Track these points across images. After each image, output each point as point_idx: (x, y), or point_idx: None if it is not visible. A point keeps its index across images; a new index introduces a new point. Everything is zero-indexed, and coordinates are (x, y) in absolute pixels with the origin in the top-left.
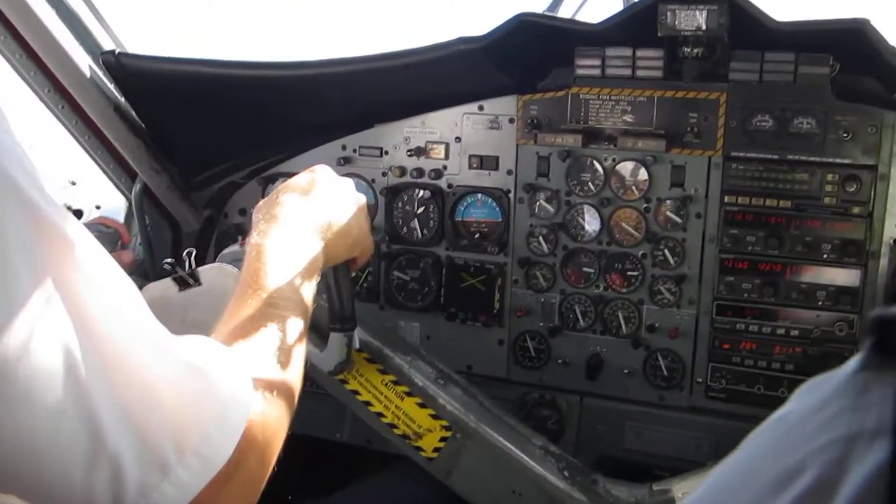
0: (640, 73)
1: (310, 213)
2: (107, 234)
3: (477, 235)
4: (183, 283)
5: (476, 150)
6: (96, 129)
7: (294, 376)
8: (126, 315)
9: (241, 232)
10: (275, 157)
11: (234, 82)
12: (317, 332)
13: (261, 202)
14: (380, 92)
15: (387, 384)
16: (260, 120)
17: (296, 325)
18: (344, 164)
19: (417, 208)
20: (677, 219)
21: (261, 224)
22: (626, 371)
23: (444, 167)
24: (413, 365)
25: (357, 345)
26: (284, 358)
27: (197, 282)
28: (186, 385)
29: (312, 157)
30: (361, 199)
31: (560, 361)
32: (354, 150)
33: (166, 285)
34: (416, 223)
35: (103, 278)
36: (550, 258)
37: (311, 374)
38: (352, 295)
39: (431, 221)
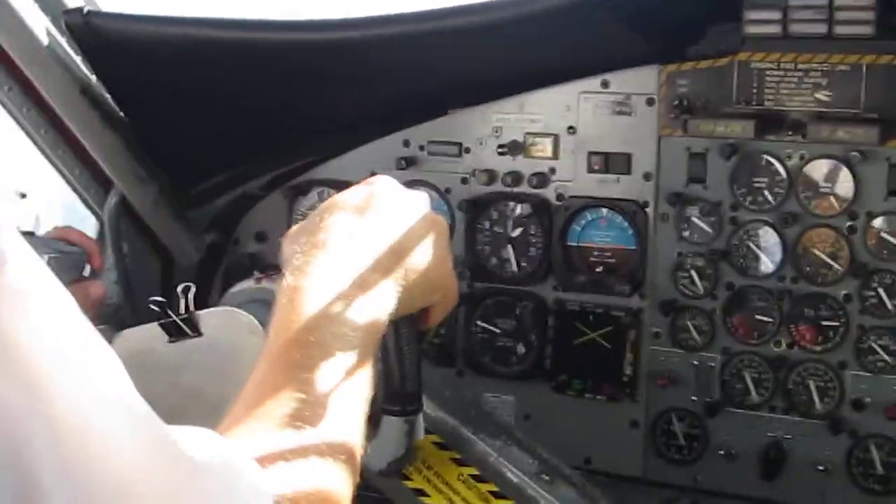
0: (840, 29)
1: (370, 243)
2: (68, 255)
3: (600, 269)
4: (176, 332)
5: (598, 146)
6: (56, 120)
7: (343, 492)
8: (84, 381)
9: (257, 265)
10: (307, 158)
11: (248, 51)
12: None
13: (296, 226)
14: (457, 63)
15: (466, 480)
16: (285, 106)
17: (350, 415)
18: (406, 168)
19: (512, 230)
20: None
21: (297, 257)
22: (820, 468)
23: (552, 170)
24: (505, 453)
25: (422, 434)
26: (330, 466)
27: (196, 331)
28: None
29: (361, 158)
30: (441, 222)
31: (722, 453)
32: (421, 148)
33: (151, 333)
34: (510, 251)
35: (50, 325)
36: (708, 302)
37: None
38: (417, 361)
39: (533, 249)
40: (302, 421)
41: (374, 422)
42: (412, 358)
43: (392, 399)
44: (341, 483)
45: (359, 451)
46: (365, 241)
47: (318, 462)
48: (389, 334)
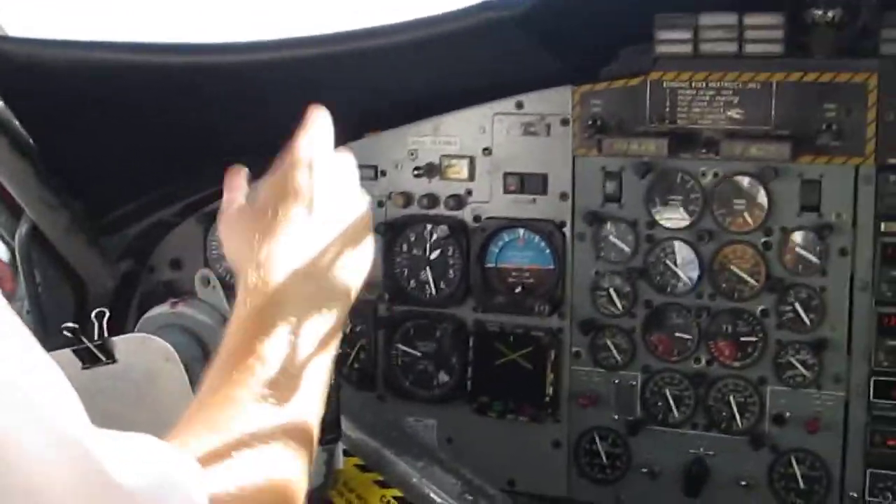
0: (750, 48)
1: (326, 242)
2: None
3: (519, 289)
4: (89, 359)
5: (514, 167)
6: None
7: (298, 482)
8: (13, 398)
9: (173, 292)
10: (220, 183)
11: (159, 75)
12: None
13: (233, 211)
14: (372, 86)
15: (388, 502)
16: (198, 131)
17: (310, 397)
18: None
19: (430, 252)
20: (812, 258)
21: (259, 251)
22: (743, 483)
23: (469, 192)
24: (428, 474)
25: (341, 463)
26: (285, 455)
27: (110, 357)
28: None
29: None
30: (365, 200)
31: (645, 471)
32: None
33: (64, 360)
34: (428, 274)
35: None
36: (627, 320)
37: None
38: (337, 388)
39: (451, 271)
40: (265, 399)
41: None
42: (330, 385)
43: None
44: (296, 472)
45: (317, 435)
46: (323, 241)
47: (272, 451)
48: None
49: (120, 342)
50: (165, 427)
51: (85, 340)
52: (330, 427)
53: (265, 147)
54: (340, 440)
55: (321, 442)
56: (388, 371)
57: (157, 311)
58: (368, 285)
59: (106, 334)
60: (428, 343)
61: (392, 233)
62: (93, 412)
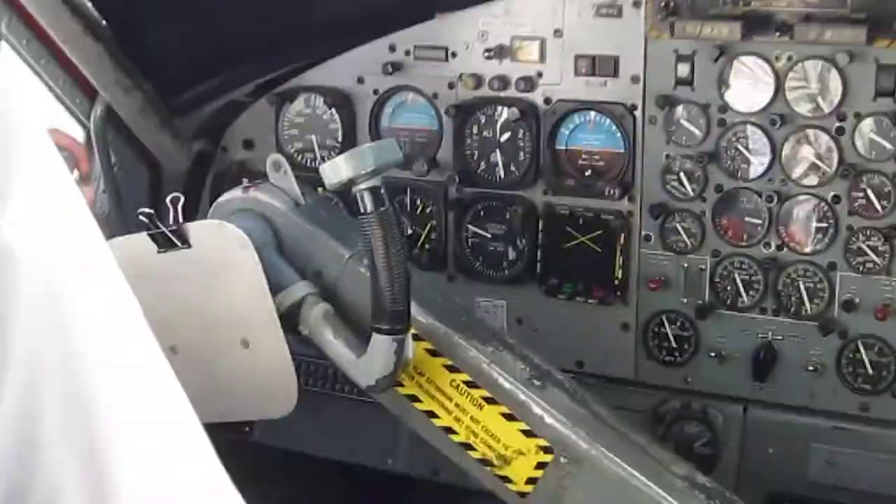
0: None
1: None
2: None
3: (589, 172)
4: (165, 243)
5: (585, 49)
6: (38, 31)
7: None
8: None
9: (246, 172)
10: (292, 64)
11: None
12: (354, 327)
13: None
14: None
15: (458, 387)
16: (268, 10)
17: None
18: (392, 73)
19: (500, 135)
20: (886, 144)
21: None
22: (811, 368)
23: (539, 74)
24: (497, 359)
25: (410, 354)
26: None
27: (185, 243)
28: None
29: (347, 64)
30: None
31: (713, 355)
32: (407, 53)
33: (140, 243)
34: (498, 156)
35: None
36: (697, 204)
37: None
38: (406, 281)
39: (522, 153)
40: None
41: (362, 338)
42: (401, 277)
43: (380, 317)
44: None
45: None
46: None
47: None
48: (378, 253)
49: (195, 228)
50: (237, 313)
51: (161, 225)
52: (399, 318)
53: (335, 29)
54: (409, 332)
55: (390, 332)
56: (459, 252)
57: (230, 195)
58: (437, 167)
59: (181, 219)
60: (498, 225)
61: (462, 115)
62: (168, 296)
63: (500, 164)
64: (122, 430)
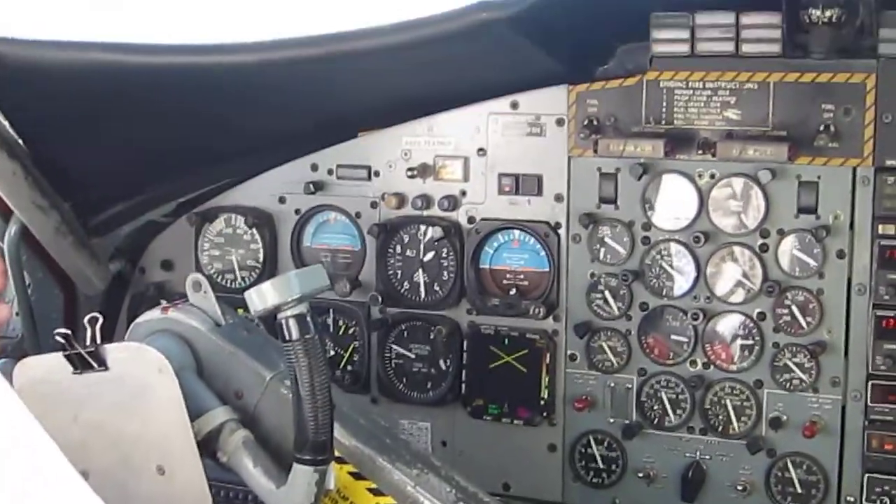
0: (747, 48)
1: None
2: None
3: (513, 291)
4: (81, 365)
5: (509, 167)
6: None
7: None
8: None
9: (164, 294)
10: (212, 184)
11: (150, 76)
12: (275, 454)
13: None
14: (364, 85)
15: None
16: (190, 130)
17: None
18: (314, 192)
19: (424, 254)
20: (810, 260)
21: None
22: (740, 487)
23: (463, 193)
24: (422, 481)
25: (332, 485)
26: None
27: (102, 364)
28: None
29: (268, 183)
30: None
31: (641, 475)
32: (330, 172)
33: (55, 364)
34: (421, 275)
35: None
36: (623, 322)
37: None
38: (330, 410)
39: (446, 272)
40: None
41: (283, 467)
42: (325, 407)
43: (302, 447)
44: None
45: None
46: None
47: None
48: (303, 381)
49: (113, 350)
50: (153, 438)
51: (77, 347)
52: (322, 448)
53: (257, 149)
54: (332, 462)
55: (314, 462)
56: (382, 373)
57: (148, 315)
58: (360, 287)
59: (99, 340)
60: (421, 345)
61: (385, 234)
62: (82, 419)
63: (424, 283)
64: None
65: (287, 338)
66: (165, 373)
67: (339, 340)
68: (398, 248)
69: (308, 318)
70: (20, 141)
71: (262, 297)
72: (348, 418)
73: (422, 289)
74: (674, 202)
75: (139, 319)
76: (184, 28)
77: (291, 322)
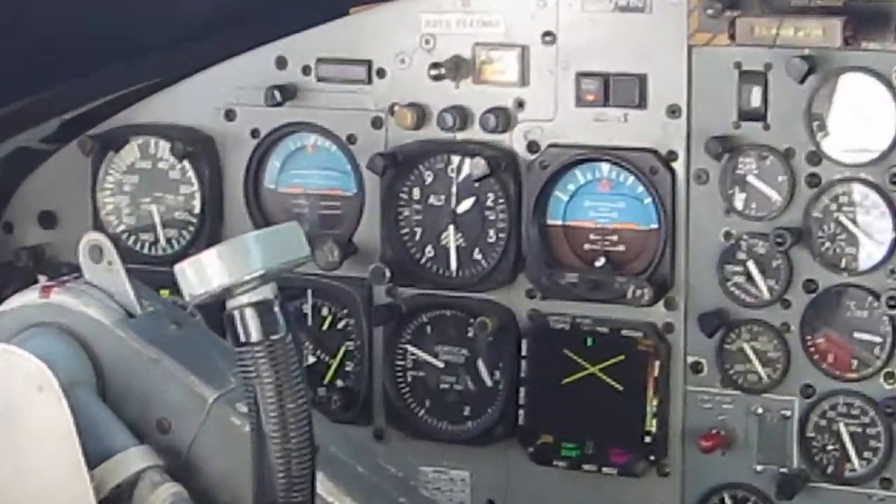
0: None
1: None
2: None
3: (601, 262)
4: None
5: (593, 63)
6: None
7: None
8: None
9: (44, 265)
10: (119, 88)
11: None
12: None
13: None
14: None
15: None
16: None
17: None
18: (282, 103)
19: (457, 202)
20: None
21: None
22: None
23: (520, 103)
24: None
25: None
26: None
27: None
28: None
29: (207, 86)
30: None
31: None
32: (306, 70)
33: None
34: (452, 237)
35: None
36: (777, 312)
37: None
38: (311, 450)
39: (492, 232)
40: None
41: None
42: (302, 448)
43: None
44: None
45: None
46: None
47: None
48: (268, 407)
49: None
50: (32, 492)
51: None
52: None
53: (191, 31)
54: None
55: None
56: (392, 393)
57: (19, 300)
58: (357, 254)
59: None
60: (455, 348)
61: (395, 170)
62: None
63: (457, 249)
64: None
65: (242, 338)
66: (48, 391)
67: (324, 341)
68: (416, 193)
69: (276, 308)
70: None
71: (201, 272)
72: (339, 466)
73: (453, 258)
74: (858, 119)
75: (3, 307)
76: None
77: (249, 314)
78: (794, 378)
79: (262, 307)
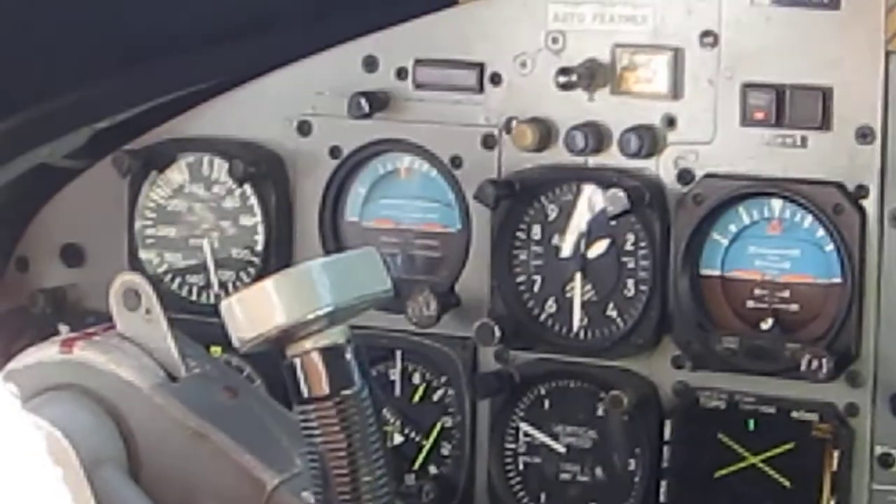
0: None
1: None
2: None
3: (770, 325)
4: None
5: (764, 72)
6: None
7: None
8: None
9: (66, 312)
10: (166, 92)
11: None
12: None
13: None
14: None
15: None
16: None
17: None
18: (370, 114)
19: (588, 244)
20: None
21: None
22: None
23: (671, 122)
24: None
25: None
26: None
27: None
28: None
29: (273, 94)
30: None
31: None
32: (401, 74)
33: None
34: (579, 288)
35: None
36: None
37: None
38: None
39: (631, 283)
40: None
41: None
42: None
43: None
44: None
45: None
46: None
47: None
48: (335, 481)
49: None
50: None
51: None
52: None
53: (255, 23)
54: None
55: None
56: (500, 484)
57: (35, 356)
58: (454, 305)
59: None
60: (581, 429)
61: (511, 202)
62: None
63: (585, 304)
64: None
65: (305, 394)
66: (67, 470)
67: (415, 416)
68: (536, 232)
69: (349, 355)
70: None
71: (253, 310)
72: None
73: (580, 315)
74: None
75: (16, 363)
76: None
77: (314, 362)
78: None
79: (330, 354)
